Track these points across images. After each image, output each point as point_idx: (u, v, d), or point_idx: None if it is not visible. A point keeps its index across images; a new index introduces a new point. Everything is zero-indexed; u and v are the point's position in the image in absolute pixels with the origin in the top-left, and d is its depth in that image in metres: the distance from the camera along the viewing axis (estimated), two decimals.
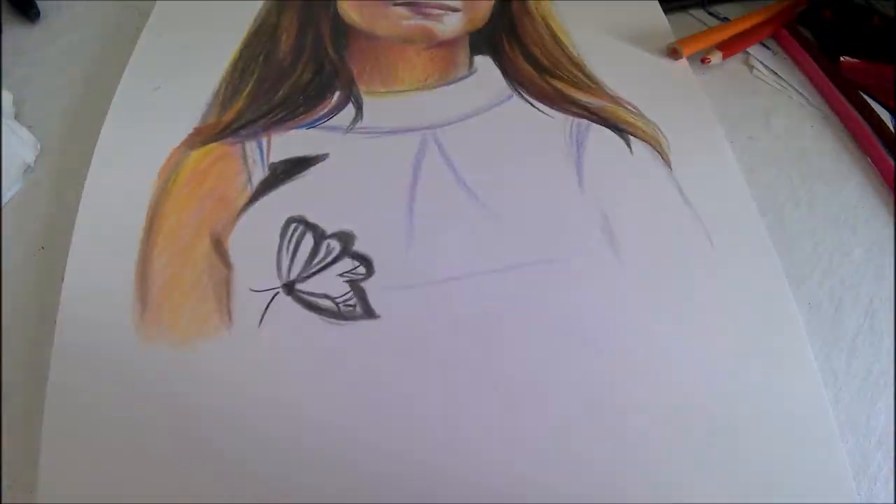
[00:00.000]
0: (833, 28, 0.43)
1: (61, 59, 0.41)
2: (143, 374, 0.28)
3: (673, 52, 0.40)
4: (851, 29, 0.42)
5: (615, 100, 0.37)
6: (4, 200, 0.34)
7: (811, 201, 0.35)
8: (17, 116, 0.38)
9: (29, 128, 0.37)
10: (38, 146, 0.37)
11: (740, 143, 0.37)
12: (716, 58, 0.40)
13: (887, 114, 0.39)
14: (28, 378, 0.29)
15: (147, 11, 0.43)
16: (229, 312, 0.29)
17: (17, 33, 0.42)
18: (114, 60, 0.40)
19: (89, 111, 0.38)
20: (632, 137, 0.35)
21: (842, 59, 0.41)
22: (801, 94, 0.40)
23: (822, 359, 0.30)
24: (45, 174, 0.36)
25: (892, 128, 0.38)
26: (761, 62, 0.41)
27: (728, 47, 0.40)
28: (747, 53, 0.41)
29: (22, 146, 0.35)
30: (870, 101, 0.39)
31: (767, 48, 0.42)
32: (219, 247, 0.31)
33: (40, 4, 0.43)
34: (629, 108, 0.37)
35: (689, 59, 0.40)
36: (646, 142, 0.35)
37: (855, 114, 0.38)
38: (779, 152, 0.37)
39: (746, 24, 0.42)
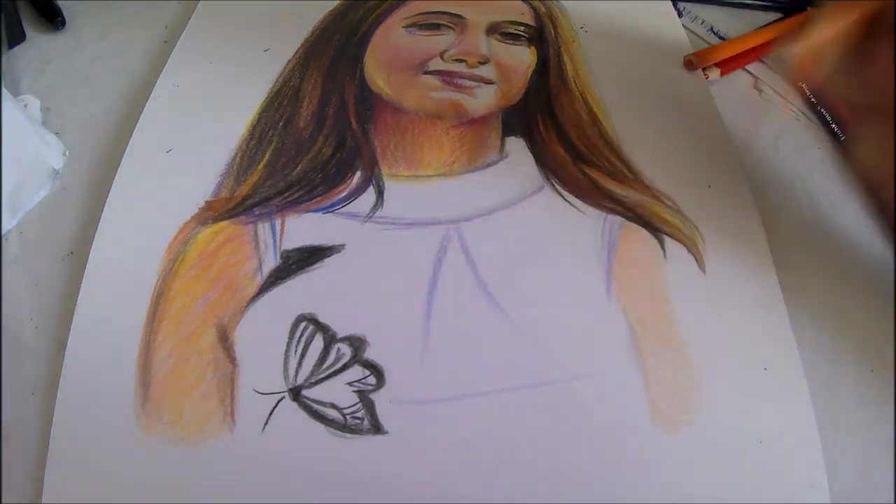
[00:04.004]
0: None
1: (87, 67, 0.41)
2: (140, 466, 0.27)
3: (688, 64, 0.41)
4: None
5: (653, 193, 0.34)
6: (32, 205, 0.35)
7: (817, 222, 0.36)
8: (43, 123, 0.38)
9: (56, 134, 0.37)
10: (66, 152, 0.37)
11: (750, 164, 0.38)
12: (714, 74, 0.41)
13: None
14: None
15: (171, 24, 0.43)
16: (232, 414, 0.28)
17: (43, 41, 0.42)
18: (140, 69, 0.41)
19: (116, 118, 0.38)
20: (667, 238, 0.33)
21: None
22: (807, 117, 0.40)
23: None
24: (72, 180, 0.36)
25: None
26: (770, 86, 0.42)
27: (726, 64, 0.42)
28: (756, 77, 0.42)
29: (49, 152, 0.35)
30: None
31: (777, 73, 0.42)
32: (224, 339, 0.30)
33: (66, 13, 0.43)
34: (667, 203, 0.34)
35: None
36: (681, 243, 0.33)
37: None
38: (786, 174, 0.38)
39: (752, 42, 0.43)
